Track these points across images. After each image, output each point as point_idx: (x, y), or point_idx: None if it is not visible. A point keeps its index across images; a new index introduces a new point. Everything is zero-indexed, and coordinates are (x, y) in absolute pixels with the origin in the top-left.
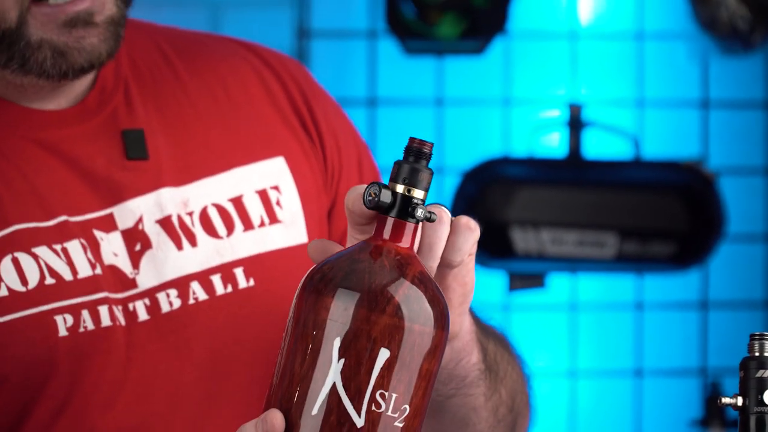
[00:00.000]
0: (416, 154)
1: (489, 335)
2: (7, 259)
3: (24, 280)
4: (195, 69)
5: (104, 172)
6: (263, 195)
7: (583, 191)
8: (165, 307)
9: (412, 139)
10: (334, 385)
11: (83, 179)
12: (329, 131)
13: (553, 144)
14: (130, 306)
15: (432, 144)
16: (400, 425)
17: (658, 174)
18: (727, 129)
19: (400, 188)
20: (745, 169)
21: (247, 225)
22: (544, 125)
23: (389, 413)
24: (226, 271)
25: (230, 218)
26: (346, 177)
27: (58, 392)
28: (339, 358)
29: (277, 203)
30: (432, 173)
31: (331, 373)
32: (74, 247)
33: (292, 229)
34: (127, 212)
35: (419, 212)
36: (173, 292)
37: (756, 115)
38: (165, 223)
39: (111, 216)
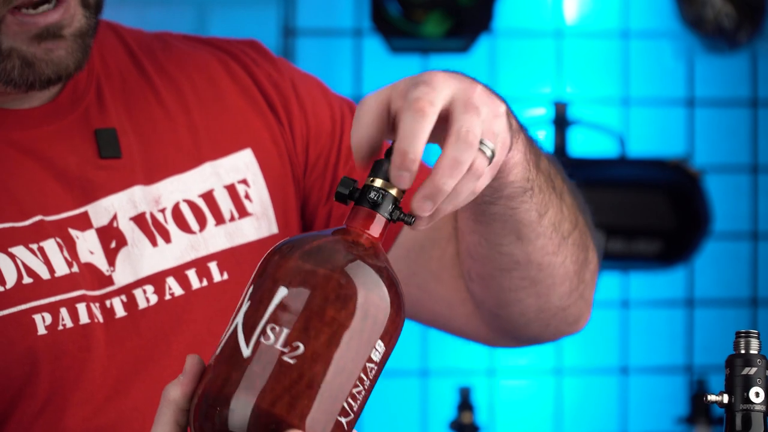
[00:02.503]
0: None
1: (541, 155)
2: None
3: (2, 280)
4: (162, 67)
5: (78, 171)
6: (231, 190)
7: None
8: (142, 303)
9: (393, 142)
10: (236, 326)
11: (57, 178)
12: (297, 105)
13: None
14: (107, 303)
15: None
16: (291, 361)
17: (644, 172)
18: (713, 127)
19: (378, 183)
20: (731, 167)
21: (219, 219)
22: (530, 123)
23: (278, 346)
24: (200, 265)
25: (202, 213)
26: (315, 138)
27: (39, 390)
28: (247, 301)
29: (246, 196)
30: None
31: (238, 316)
32: (50, 246)
33: (262, 221)
34: (101, 210)
35: (390, 208)
36: (150, 288)
37: (741, 113)
38: (139, 220)
39: (86, 214)
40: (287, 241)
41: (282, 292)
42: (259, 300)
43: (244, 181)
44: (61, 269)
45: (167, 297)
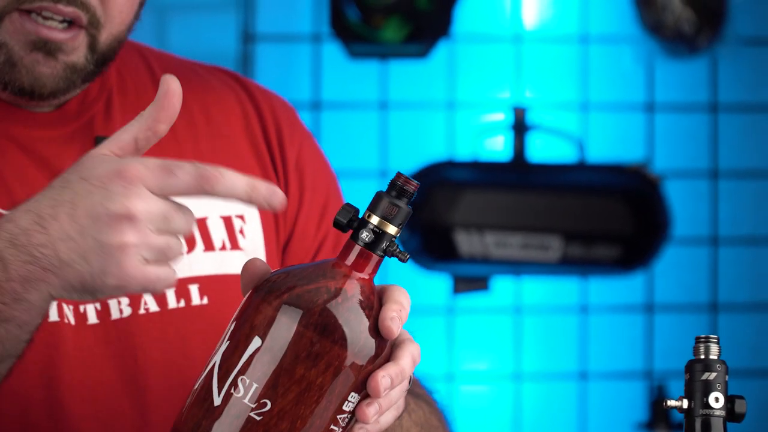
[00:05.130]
0: (399, 190)
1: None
2: None
3: None
4: (184, 100)
5: None
6: (227, 221)
7: (528, 194)
8: (115, 314)
9: (398, 175)
10: (213, 365)
11: (50, 179)
12: (296, 172)
13: (498, 147)
14: (81, 308)
15: (418, 184)
16: (257, 417)
17: (603, 177)
18: (672, 132)
19: (374, 220)
20: (690, 172)
21: (208, 246)
22: (489, 128)
23: (245, 401)
24: (180, 286)
25: (192, 237)
26: (305, 218)
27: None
28: (226, 341)
29: (241, 232)
30: (410, 213)
31: (216, 355)
32: None
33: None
34: None
35: (384, 245)
36: (125, 300)
37: (701, 118)
38: None
39: None
40: (273, 277)
41: (256, 344)
42: (236, 345)
43: (241, 217)
44: None
45: (141, 311)
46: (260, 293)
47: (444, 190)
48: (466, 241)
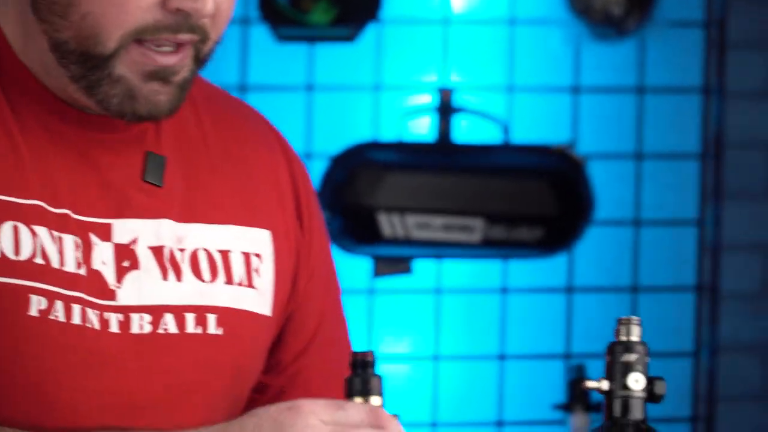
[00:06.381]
0: (362, 365)
1: None
2: (10, 225)
3: (17, 250)
4: (217, 122)
5: (118, 185)
6: (247, 258)
7: (451, 176)
8: (135, 329)
9: (354, 354)
10: None
11: (97, 184)
12: (310, 234)
13: (423, 129)
14: (105, 315)
15: (372, 352)
16: None
17: (527, 159)
18: (598, 114)
19: (358, 401)
20: (615, 154)
21: (229, 279)
22: (414, 110)
23: None
24: (200, 313)
25: (216, 267)
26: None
27: (18, 368)
28: None
29: (256, 271)
30: (381, 378)
31: None
32: (68, 241)
33: (261, 299)
34: (125, 229)
35: None
36: (147, 317)
37: (627, 100)
38: (157, 251)
39: (109, 227)
40: None
41: None
42: None
43: (259, 256)
44: (70, 266)
45: (160, 331)
46: None
47: (367, 171)
48: (388, 223)
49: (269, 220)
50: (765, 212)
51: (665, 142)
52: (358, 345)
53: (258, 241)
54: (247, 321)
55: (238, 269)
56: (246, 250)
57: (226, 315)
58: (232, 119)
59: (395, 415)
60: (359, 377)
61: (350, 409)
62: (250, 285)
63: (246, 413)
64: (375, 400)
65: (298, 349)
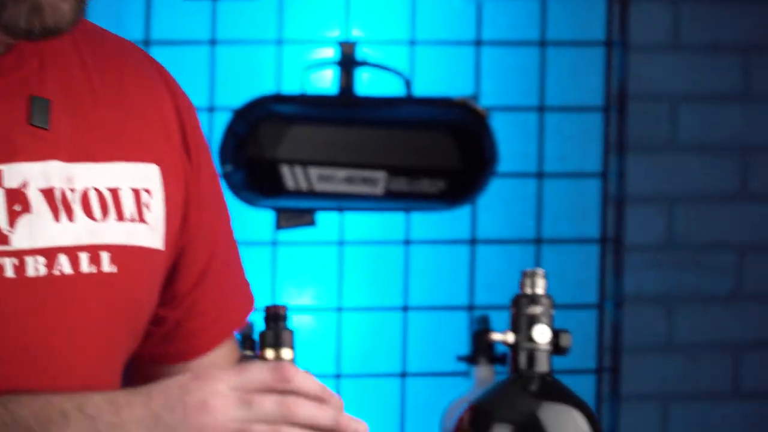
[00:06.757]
0: (274, 318)
1: None
2: None
3: None
4: (102, 60)
5: (4, 130)
6: (136, 194)
7: (354, 129)
8: (30, 272)
9: (267, 308)
10: None
11: None
12: (198, 166)
13: (326, 83)
14: (0, 260)
15: (285, 306)
16: None
17: (430, 111)
18: (501, 68)
19: (270, 354)
20: (518, 107)
21: (120, 216)
22: (316, 64)
23: None
24: (93, 252)
25: (106, 205)
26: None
27: None
28: None
29: (146, 206)
30: (292, 332)
31: None
32: None
33: (153, 234)
34: (15, 173)
35: None
36: (41, 260)
37: (530, 53)
38: (48, 193)
39: None
40: None
41: None
42: None
43: (148, 191)
44: None
45: (56, 272)
46: None
47: (270, 124)
48: (290, 176)
49: (157, 154)
50: (668, 165)
51: (568, 95)
52: (261, 298)
53: (147, 176)
54: (141, 256)
55: (128, 206)
56: (135, 186)
57: (119, 252)
58: (115, 57)
59: (306, 371)
60: (271, 330)
61: (253, 371)
62: (142, 220)
63: (154, 383)
64: (286, 353)
65: (193, 281)
